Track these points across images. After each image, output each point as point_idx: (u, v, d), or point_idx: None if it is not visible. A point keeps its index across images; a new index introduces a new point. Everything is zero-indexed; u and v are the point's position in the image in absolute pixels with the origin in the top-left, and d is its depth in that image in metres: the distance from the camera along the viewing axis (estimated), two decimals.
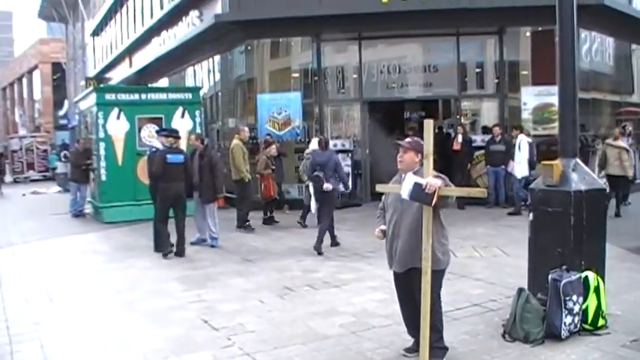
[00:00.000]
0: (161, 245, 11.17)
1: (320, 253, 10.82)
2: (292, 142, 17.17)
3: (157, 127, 12.45)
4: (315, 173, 11.71)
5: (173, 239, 11.62)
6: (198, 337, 6.60)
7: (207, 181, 11.76)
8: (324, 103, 17.65)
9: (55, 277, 9.86)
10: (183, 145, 15.48)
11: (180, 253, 11.10)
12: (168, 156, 11.15)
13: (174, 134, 11.74)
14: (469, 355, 5.80)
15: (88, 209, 18.08)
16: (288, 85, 18.42)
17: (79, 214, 17.75)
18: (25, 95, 64.08)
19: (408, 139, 5.67)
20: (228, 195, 17.58)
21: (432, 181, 5.07)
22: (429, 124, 5.27)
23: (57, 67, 53.57)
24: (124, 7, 30.95)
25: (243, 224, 13.84)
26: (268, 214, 14.77)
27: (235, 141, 14.31)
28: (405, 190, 5.19)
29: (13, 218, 18.07)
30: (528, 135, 15.15)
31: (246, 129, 15.39)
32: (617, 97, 20.46)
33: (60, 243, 13.37)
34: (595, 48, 18.64)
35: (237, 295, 8.28)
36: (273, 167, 14.66)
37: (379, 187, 5.56)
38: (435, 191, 5.05)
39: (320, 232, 11.20)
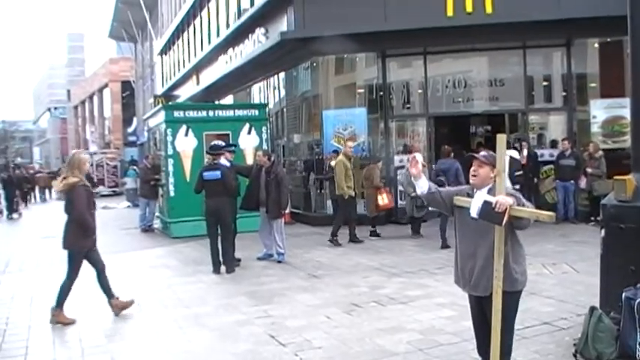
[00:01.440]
0: (212, 261, 11.32)
1: (447, 246, 12.16)
2: (357, 157, 17.16)
3: (223, 143, 12.67)
4: (439, 178, 12.45)
5: (239, 254, 11.78)
6: (266, 352, 6.64)
7: (274, 197, 11.86)
8: (389, 118, 17.66)
9: (125, 292, 10.02)
10: (249, 160, 15.77)
11: (228, 269, 11.19)
12: (205, 173, 11.36)
13: (211, 151, 11.88)
14: None
15: (156, 224, 18.41)
16: (353, 101, 18.48)
17: (147, 229, 18.10)
18: (95, 113, 65.89)
19: (483, 153, 5.32)
20: (295, 210, 17.70)
21: (502, 199, 4.78)
22: (501, 139, 4.96)
23: (126, 86, 54.98)
24: (191, 26, 31.52)
25: (334, 239, 13.90)
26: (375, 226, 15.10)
27: (340, 156, 14.42)
28: (475, 209, 4.99)
29: None
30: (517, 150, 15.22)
31: (351, 143, 15.34)
32: None
33: (129, 257, 13.64)
34: None
35: (303, 311, 8.30)
36: (384, 180, 15.52)
37: (457, 201, 5.32)
38: (505, 210, 4.80)
39: (442, 231, 12.70)
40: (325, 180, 16.74)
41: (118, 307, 8.52)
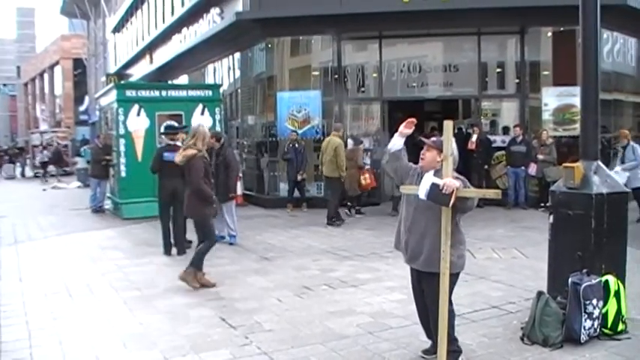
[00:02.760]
0: (163, 243, 11.23)
1: None
2: (311, 140, 17.15)
3: (177, 124, 12.53)
4: None
5: (190, 236, 11.69)
6: (216, 335, 6.62)
7: (223, 180, 11.77)
8: (343, 101, 17.65)
9: (75, 273, 9.92)
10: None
11: (179, 251, 11.10)
12: (165, 154, 11.18)
13: (169, 130, 11.77)
14: (487, 358, 5.77)
15: (107, 205, 18.17)
16: (308, 83, 18.42)
17: (98, 209, 17.85)
18: (46, 91, 64.60)
19: (433, 138, 5.63)
20: (247, 192, 17.64)
21: (450, 182, 5.03)
22: (448, 125, 5.24)
23: (78, 63, 53.96)
24: (145, 4, 31.08)
25: (336, 219, 14.16)
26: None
27: (337, 139, 14.55)
28: (423, 191, 5.17)
29: (33, 213, 18.19)
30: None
31: (340, 124, 15.76)
32: (639, 98, 20.26)
33: (79, 238, 13.45)
34: (617, 48, 18.48)
35: (254, 294, 8.29)
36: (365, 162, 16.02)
37: (403, 189, 5.51)
38: (452, 192, 5.01)
39: None
40: (284, 160, 16.64)
41: (199, 282, 8.66)
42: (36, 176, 35.12)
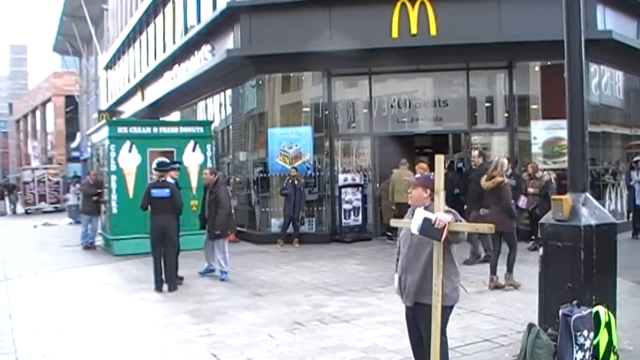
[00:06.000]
0: (155, 279, 11.20)
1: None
2: (302, 175, 17.13)
3: (168, 161, 12.59)
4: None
5: (182, 272, 11.67)
6: None
7: (213, 218, 11.83)
8: (334, 137, 17.75)
9: (66, 310, 9.87)
10: (193, 178, 15.74)
11: (170, 287, 11.08)
12: (153, 190, 11.27)
13: (159, 167, 11.83)
14: None
15: (98, 241, 18.11)
16: (299, 120, 18.52)
17: (89, 246, 17.77)
18: (38, 127, 64.63)
19: (417, 175, 5.65)
20: (239, 229, 17.61)
21: (442, 216, 5.04)
22: (439, 160, 5.25)
23: (70, 100, 54.10)
24: (137, 42, 31.27)
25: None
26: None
27: (409, 171, 15.14)
28: (415, 226, 5.17)
29: (24, 250, 18.12)
30: None
31: (404, 159, 16.40)
32: (627, 130, 20.42)
33: (71, 275, 13.39)
34: (605, 81, 18.64)
35: (246, 330, 8.26)
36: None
37: (393, 222, 5.52)
38: (444, 226, 5.03)
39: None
40: (282, 195, 16.66)
41: (510, 284, 10.35)
42: (27, 213, 35.02)
